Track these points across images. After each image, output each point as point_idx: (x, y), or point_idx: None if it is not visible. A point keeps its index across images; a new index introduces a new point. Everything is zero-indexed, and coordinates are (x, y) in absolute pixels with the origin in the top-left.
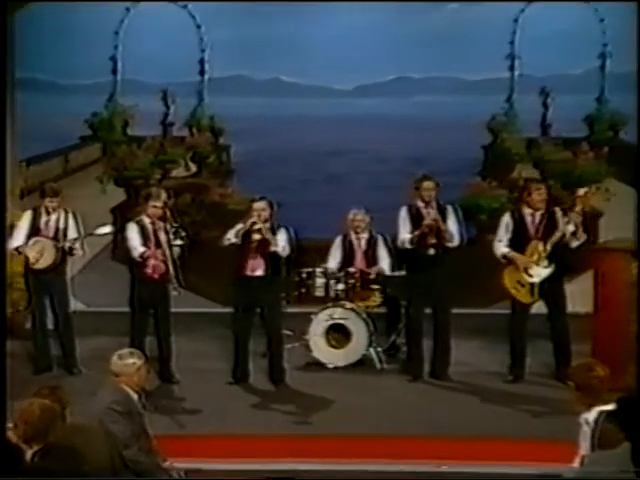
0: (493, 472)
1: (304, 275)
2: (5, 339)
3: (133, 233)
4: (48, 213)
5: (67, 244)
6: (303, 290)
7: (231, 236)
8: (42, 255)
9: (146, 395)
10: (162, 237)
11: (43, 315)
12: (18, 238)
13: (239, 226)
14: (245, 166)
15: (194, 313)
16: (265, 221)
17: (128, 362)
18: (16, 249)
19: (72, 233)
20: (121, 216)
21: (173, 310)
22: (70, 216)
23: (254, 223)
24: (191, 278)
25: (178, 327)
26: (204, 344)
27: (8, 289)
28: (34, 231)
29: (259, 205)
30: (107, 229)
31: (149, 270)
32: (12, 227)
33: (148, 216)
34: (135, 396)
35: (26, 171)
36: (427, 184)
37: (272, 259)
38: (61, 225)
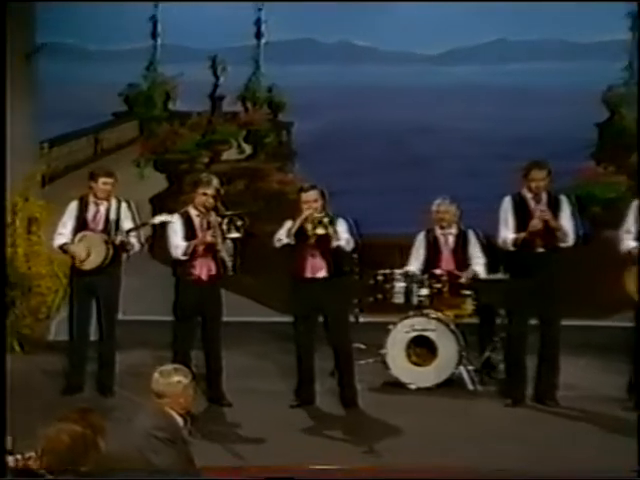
0: None
1: (380, 278)
2: (4, 341)
3: (176, 228)
4: (97, 203)
5: (119, 238)
6: (379, 296)
7: (282, 236)
8: (89, 253)
9: (192, 419)
10: (212, 231)
11: (85, 324)
12: (64, 234)
13: (289, 223)
14: (310, 147)
15: (248, 323)
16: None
17: (172, 380)
18: (61, 247)
19: (127, 225)
20: (161, 207)
21: (224, 319)
22: (123, 205)
23: (310, 215)
24: (245, 280)
25: (229, 339)
26: (260, 359)
27: (27, 293)
28: (80, 225)
29: (310, 195)
30: (166, 217)
31: (196, 271)
32: (31, 220)
33: (195, 207)
34: (180, 421)
35: (48, 154)
36: (537, 173)
37: (335, 257)
38: (112, 216)
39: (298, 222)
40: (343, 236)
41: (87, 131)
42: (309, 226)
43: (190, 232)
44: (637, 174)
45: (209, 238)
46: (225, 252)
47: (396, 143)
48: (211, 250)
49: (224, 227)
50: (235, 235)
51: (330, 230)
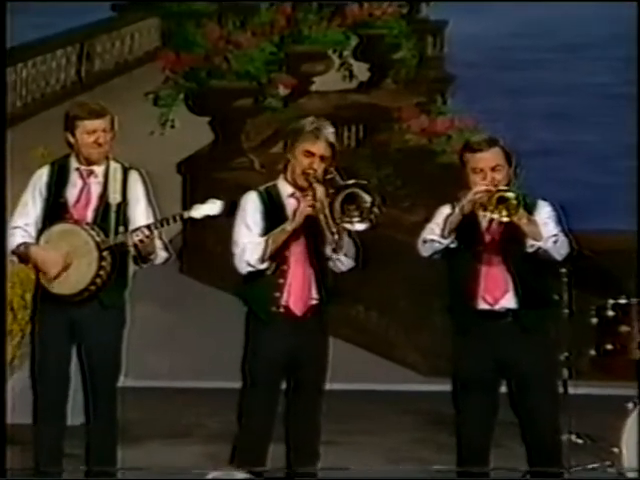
0: None
1: (610, 314)
2: (5, 340)
3: (250, 218)
4: (83, 173)
5: (129, 240)
6: (608, 346)
7: (434, 234)
8: (69, 265)
9: None
10: (311, 200)
11: (61, 394)
12: (22, 229)
13: (446, 210)
14: (478, 69)
15: (367, 392)
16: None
17: None
18: (17, 252)
19: (138, 216)
20: (198, 178)
21: (328, 387)
22: (132, 177)
23: (486, 193)
24: (361, 317)
25: (335, 421)
26: (390, 453)
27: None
28: (54, 212)
29: (487, 157)
30: (213, 208)
31: (283, 297)
32: None
33: (290, 179)
34: None
35: None
36: None
37: (528, 271)
38: (112, 197)
39: (466, 204)
40: (548, 231)
41: (66, 38)
42: (488, 207)
43: (276, 221)
44: (637, 173)
45: (307, 209)
46: (340, 258)
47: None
48: (312, 258)
49: (336, 209)
50: (360, 226)
51: (522, 219)
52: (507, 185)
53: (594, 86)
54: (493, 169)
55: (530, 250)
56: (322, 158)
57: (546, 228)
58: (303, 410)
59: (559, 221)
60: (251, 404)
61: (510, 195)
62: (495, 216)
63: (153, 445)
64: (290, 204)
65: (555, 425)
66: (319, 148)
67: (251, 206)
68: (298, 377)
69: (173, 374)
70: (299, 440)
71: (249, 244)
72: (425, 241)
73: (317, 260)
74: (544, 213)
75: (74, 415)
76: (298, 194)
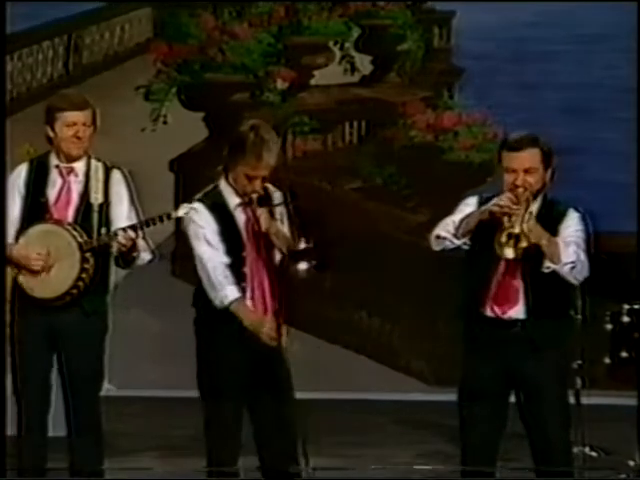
0: None
1: (625, 319)
2: (4, 345)
3: (210, 232)
4: (63, 171)
5: (113, 242)
6: (623, 354)
7: (446, 231)
8: (49, 267)
9: None
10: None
11: (42, 404)
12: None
13: (472, 202)
14: (489, 61)
15: (359, 402)
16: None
17: None
18: None
19: (121, 217)
20: (193, 177)
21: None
22: (115, 177)
23: (501, 231)
24: (360, 319)
25: (335, 433)
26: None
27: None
28: (33, 211)
29: (522, 158)
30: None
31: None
32: None
33: (232, 185)
34: None
35: None
36: None
37: (541, 280)
38: (95, 198)
39: (483, 210)
40: (567, 255)
41: (53, 29)
42: (497, 242)
43: (232, 238)
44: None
45: (264, 225)
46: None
47: None
48: (269, 268)
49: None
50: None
51: (531, 232)
52: (542, 188)
53: (613, 79)
54: (526, 171)
55: (545, 271)
56: (264, 179)
57: (566, 251)
58: (277, 419)
59: (585, 239)
60: (215, 421)
61: (520, 235)
62: (500, 252)
63: (143, 459)
64: (240, 217)
65: (565, 437)
66: (260, 171)
67: (205, 220)
68: (268, 387)
69: (164, 383)
70: (278, 450)
71: (217, 266)
72: (438, 236)
73: (274, 269)
74: (570, 227)
75: (59, 425)
76: (245, 207)
